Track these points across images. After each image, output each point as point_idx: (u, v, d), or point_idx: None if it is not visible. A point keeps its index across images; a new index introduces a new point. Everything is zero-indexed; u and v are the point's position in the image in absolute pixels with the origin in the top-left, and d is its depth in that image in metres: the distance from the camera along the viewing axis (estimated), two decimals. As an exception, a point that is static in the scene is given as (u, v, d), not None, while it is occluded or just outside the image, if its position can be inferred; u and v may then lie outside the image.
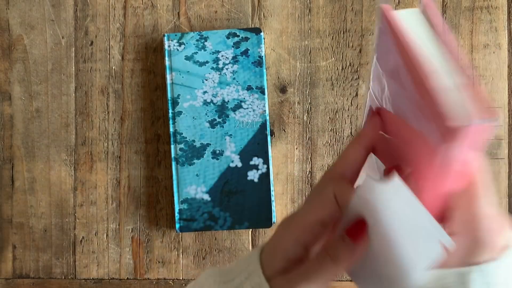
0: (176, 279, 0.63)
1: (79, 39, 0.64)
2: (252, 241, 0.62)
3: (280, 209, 0.62)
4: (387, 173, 0.34)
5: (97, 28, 0.63)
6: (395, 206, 0.31)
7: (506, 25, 0.60)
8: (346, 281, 0.61)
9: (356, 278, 0.36)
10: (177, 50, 0.61)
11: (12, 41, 0.64)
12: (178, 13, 0.63)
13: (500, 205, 0.60)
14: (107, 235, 0.63)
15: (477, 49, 0.60)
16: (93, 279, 0.63)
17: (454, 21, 0.60)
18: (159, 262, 0.63)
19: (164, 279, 0.63)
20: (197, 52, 0.61)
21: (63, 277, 0.64)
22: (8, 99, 0.64)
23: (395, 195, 0.30)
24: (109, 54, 0.63)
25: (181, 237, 0.63)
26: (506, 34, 0.60)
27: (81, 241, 0.63)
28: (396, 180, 0.30)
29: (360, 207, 0.32)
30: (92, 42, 0.63)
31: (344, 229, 0.33)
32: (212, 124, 0.61)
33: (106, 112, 0.63)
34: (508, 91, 0.60)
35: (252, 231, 0.62)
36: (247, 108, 0.60)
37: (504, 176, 0.60)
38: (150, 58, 0.63)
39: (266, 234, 0.62)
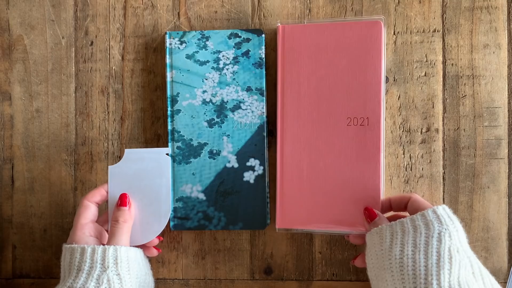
0: (176, 279, 0.63)
1: (79, 39, 0.64)
2: (251, 240, 0.62)
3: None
4: None
5: (97, 28, 0.63)
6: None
7: (506, 25, 0.60)
8: (347, 281, 0.61)
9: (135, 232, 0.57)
10: (178, 48, 0.61)
11: (12, 41, 0.64)
12: (178, 13, 0.63)
13: (500, 204, 0.60)
14: (107, 235, 0.63)
15: (477, 49, 0.60)
16: (93, 279, 0.63)
17: (454, 21, 0.60)
18: (159, 262, 0.63)
19: (164, 279, 0.63)
20: (198, 51, 0.61)
21: (63, 277, 0.64)
22: (8, 99, 0.64)
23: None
24: (109, 54, 0.63)
25: (181, 237, 0.63)
26: (506, 34, 0.60)
27: (81, 241, 0.64)
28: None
29: (118, 188, 0.56)
30: (92, 42, 0.64)
31: (116, 205, 0.56)
32: (210, 123, 0.61)
33: (106, 112, 0.63)
34: (508, 91, 0.60)
35: (251, 231, 0.62)
36: (246, 109, 0.60)
37: (504, 176, 0.60)
38: (150, 58, 0.63)
39: (265, 234, 0.62)
